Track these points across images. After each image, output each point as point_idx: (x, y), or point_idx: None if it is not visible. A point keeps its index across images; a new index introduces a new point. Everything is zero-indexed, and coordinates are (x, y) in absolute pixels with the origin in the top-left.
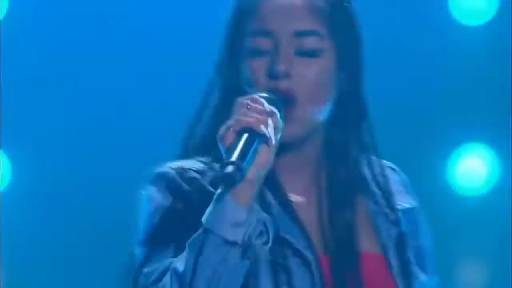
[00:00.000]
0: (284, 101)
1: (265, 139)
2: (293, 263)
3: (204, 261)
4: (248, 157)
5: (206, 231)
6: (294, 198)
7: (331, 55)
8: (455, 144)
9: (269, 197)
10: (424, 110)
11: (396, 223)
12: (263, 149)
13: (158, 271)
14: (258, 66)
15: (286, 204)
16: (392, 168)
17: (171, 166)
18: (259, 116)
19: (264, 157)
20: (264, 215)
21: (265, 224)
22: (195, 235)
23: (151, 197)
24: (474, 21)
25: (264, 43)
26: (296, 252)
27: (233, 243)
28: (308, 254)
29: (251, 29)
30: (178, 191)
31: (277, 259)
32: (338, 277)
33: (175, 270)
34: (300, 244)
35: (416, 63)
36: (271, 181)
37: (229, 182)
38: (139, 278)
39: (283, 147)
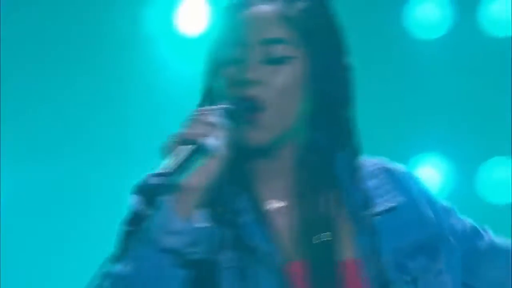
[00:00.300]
0: (251, 108)
1: (207, 150)
2: (260, 269)
3: (140, 266)
4: (184, 168)
5: (146, 237)
6: (273, 204)
7: (302, 62)
8: (410, 154)
9: (243, 203)
10: (378, 122)
11: (372, 228)
12: (206, 160)
13: (106, 273)
14: (230, 75)
15: (259, 211)
16: (381, 167)
17: (151, 174)
18: (203, 128)
19: (207, 168)
20: (206, 224)
21: (203, 234)
22: (137, 240)
23: (130, 205)
24: (429, 34)
25: (236, 52)
26: (263, 259)
27: (168, 250)
28: (274, 261)
29: (226, 40)
30: (154, 199)
31: (243, 265)
32: (316, 283)
33: (115, 273)
34: (267, 251)
35: (371, 75)
36: (246, 188)
37: (155, 191)
38: (97, 278)
39: (256, 153)
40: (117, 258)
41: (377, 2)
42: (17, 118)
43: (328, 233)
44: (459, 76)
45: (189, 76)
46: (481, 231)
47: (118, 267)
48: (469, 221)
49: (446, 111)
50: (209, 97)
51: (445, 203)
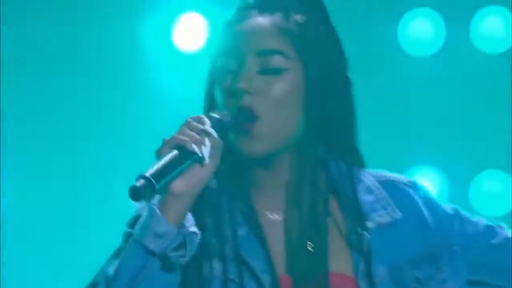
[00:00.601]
0: (245, 118)
1: (197, 157)
2: (249, 283)
3: (125, 266)
4: (171, 173)
5: (134, 239)
6: (271, 216)
7: (297, 74)
8: (404, 167)
9: (239, 215)
10: (372, 136)
11: (365, 244)
12: (195, 167)
13: (101, 273)
14: (226, 86)
15: (253, 223)
16: (383, 180)
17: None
18: (195, 135)
19: (196, 175)
20: (191, 230)
21: (184, 238)
22: (130, 242)
23: (134, 208)
24: (422, 51)
25: (231, 63)
26: (252, 273)
27: (152, 253)
28: (263, 276)
29: (223, 52)
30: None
31: (233, 278)
32: None
33: (106, 273)
34: (257, 265)
35: (366, 91)
36: (242, 198)
37: (136, 194)
38: (94, 277)
39: (252, 163)
40: (114, 258)
41: (370, 19)
42: (17, 120)
43: (309, 243)
44: (452, 92)
45: (186, 93)
46: (496, 228)
47: (111, 268)
48: (482, 221)
49: (440, 125)
50: (210, 107)
51: (450, 209)
